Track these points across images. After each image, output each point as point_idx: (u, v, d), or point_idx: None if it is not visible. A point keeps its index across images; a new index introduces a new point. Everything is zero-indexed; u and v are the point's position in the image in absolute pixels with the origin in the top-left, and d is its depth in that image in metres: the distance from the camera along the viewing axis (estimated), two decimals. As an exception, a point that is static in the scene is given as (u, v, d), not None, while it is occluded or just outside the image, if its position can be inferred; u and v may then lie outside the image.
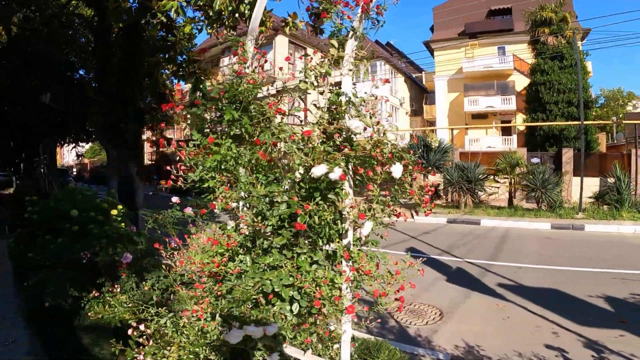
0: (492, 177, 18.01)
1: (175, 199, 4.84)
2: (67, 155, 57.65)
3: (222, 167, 2.32)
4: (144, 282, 5.67)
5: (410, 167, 2.14)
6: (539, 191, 16.04)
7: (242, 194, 2.28)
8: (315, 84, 2.25)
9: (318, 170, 1.84)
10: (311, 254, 2.10)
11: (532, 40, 26.50)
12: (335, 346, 2.74)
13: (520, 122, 28.76)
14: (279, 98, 2.62)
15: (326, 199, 1.99)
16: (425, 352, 5.13)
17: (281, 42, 30.35)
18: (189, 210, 4.62)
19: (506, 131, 30.17)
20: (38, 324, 5.44)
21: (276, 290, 1.96)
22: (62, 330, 5.22)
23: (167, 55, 11.38)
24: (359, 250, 2.15)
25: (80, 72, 18.10)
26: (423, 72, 45.82)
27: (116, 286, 5.60)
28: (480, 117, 30.89)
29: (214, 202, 2.34)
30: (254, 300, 2.30)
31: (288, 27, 8.16)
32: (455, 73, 31.56)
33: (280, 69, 2.79)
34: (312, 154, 1.95)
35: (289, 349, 2.42)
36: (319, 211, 1.94)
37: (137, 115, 8.67)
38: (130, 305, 3.41)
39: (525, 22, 26.85)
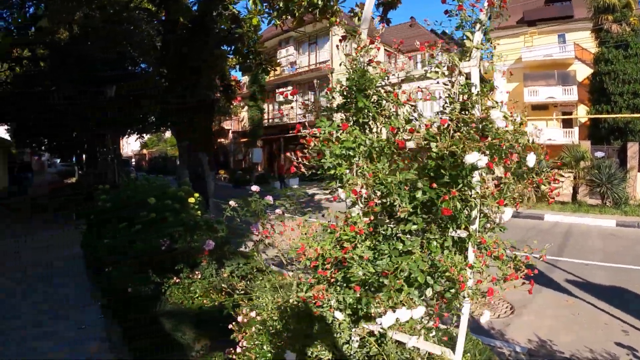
0: (554, 170, 17.39)
1: (255, 188, 4.99)
2: (126, 147, 59.72)
3: (351, 154, 2.39)
4: (222, 269, 5.82)
5: (541, 157, 2.18)
6: (604, 187, 15.42)
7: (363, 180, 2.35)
8: (446, 73, 2.30)
9: (471, 158, 1.88)
10: (440, 240, 2.16)
11: (594, 28, 25.30)
12: (432, 333, 2.80)
13: (582, 113, 27.66)
14: (396, 87, 2.67)
15: (466, 186, 2.03)
16: (502, 344, 5.14)
17: (339, 33, 30.40)
18: (269, 199, 4.75)
19: (567, 123, 29.03)
20: (116, 309, 5.62)
21: (412, 275, 2.02)
22: (142, 315, 5.31)
23: (232, 48, 11.62)
24: (488, 235, 2.20)
25: (142, 65, 18.66)
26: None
27: (196, 272, 5.79)
28: (540, 108, 29.82)
29: (355, 189, 2.40)
30: (370, 286, 2.39)
31: (357, 17, 8.21)
32: (514, 62, 30.58)
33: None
34: (450, 142, 1.99)
35: (398, 336, 2.49)
36: (460, 197, 2.00)
37: (206, 107, 8.94)
38: (242, 293, 3.51)
39: (587, 9, 25.68)
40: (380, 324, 2.16)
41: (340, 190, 2.55)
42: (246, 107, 36.82)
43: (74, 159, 44.52)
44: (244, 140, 38.56)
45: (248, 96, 31.61)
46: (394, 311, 2.07)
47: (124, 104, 15.93)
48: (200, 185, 8.07)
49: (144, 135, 35.23)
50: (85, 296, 6.55)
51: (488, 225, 2.30)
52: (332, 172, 2.43)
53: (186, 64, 9.44)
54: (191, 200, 6.99)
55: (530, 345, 5.29)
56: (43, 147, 34.65)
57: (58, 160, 61.48)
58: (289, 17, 8.34)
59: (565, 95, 28.49)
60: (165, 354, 4.47)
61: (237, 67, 12.98)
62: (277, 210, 4.51)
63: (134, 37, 16.40)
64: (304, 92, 33.73)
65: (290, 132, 32.94)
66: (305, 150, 2.68)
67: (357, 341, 2.67)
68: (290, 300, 2.89)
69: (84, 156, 32.98)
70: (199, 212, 7.06)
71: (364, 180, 2.38)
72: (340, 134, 2.46)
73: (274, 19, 8.15)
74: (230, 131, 41.27)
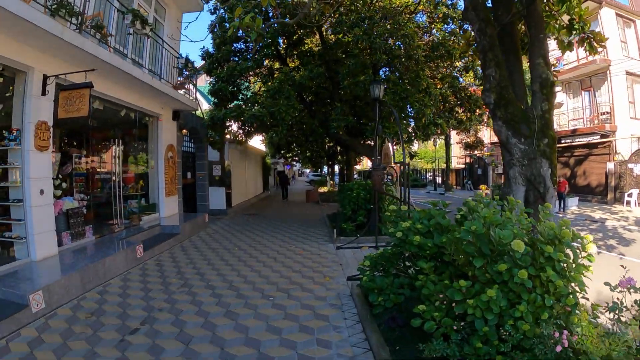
0: None
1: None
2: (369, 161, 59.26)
3: None
4: None
5: None
6: None
7: None
8: None
9: None
10: None
11: None
12: None
13: None
14: None
15: None
16: None
17: (607, 15, 24.34)
18: None
19: None
20: None
21: None
22: None
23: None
24: None
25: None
26: None
27: None
28: None
29: None
30: None
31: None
32: None
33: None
34: None
35: None
36: None
37: (546, 92, 5.63)
38: None
39: None
40: None
41: None
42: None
43: (324, 169, 46.14)
44: (505, 152, 33.96)
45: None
46: None
47: (388, 109, 13.60)
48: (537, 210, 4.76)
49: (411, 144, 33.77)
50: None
51: None
52: None
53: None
54: (588, 247, 3.59)
55: None
56: (296, 158, 36.08)
57: (307, 170, 65.76)
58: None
59: None
60: None
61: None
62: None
63: (399, 31, 14.06)
64: (574, 93, 27.73)
65: (562, 141, 27.34)
66: None
67: None
68: None
69: (336, 167, 33.01)
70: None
71: None
72: None
73: None
74: (489, 142, 37.03)
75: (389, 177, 10.70)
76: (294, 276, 7.60)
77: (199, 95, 21.00)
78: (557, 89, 27.93)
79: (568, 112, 27.70)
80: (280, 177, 32.20)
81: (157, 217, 12.40)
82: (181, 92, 13.35)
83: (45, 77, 7.62)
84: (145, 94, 11.04)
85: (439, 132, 16.19)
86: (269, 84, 15.23)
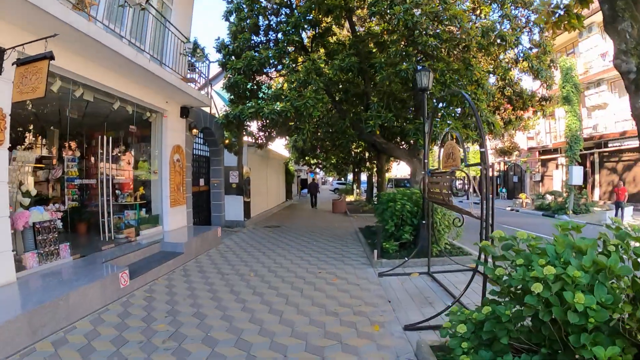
0: None
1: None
2: (396, 168, 55.63)
3: None
4: None
5: None
6: None
7: None
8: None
9: None
10: None
11: None
12: None
13: None
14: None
15: None
16: None
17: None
18: None
19: None
20: None
21: None
22: None
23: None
24: None
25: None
26: None
27: None
28: None
29: None
30: None
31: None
32: None
33: None
34: None
35: None
36: None
37: None
38: None
39: None
40: None
41: None
42: (541, 118, 30.01)
43: (349, 177, 43.96)
44: (543, 157, 31.31)
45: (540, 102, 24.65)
46: None
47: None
48: None
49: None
50: None
51: None
52: None
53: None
54: None
55: None
56: (320, 165, 34.26)
57: (330, 179, 63.86)
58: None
59: None
60: None
61: None
62: None
63: (447, 11, 11.92)
64: (621, 92, 25.05)
65: (610, 144, 24.70)
66: None
67: None
68: None
69: (362, 175, 30.98)
70: None
71: None
72: None
73: None
74: (527, 148, 34.35)
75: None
76: (329, 322, 5.46)
77: (215, 97, 19.18)
78: (603, 88, 25.36)
79: (615, 113, 25.05)
80: (308, 185, 31.26)
81: (160, 230, 10.45)
82: (203, 92, 11.51)
83: (2, 51, 5.78)
84: (146, 83, 9.17)
85: (492, 131, 13.86)
86: (294, 76, 13.24)
